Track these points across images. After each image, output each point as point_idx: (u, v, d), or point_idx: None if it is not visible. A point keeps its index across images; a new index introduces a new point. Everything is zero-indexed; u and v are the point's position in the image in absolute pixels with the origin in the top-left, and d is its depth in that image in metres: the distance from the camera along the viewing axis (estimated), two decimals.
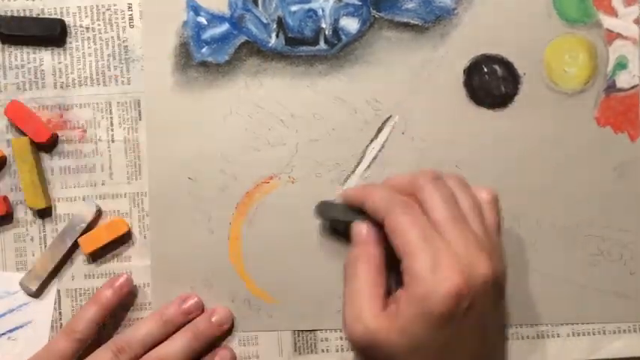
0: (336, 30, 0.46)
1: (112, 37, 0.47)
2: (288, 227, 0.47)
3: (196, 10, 0.46)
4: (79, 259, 0.47)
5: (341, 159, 0.47)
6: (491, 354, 0.42)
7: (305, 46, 0.46)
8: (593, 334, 0.46)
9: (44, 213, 0.47)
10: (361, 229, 0.41)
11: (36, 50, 0.47)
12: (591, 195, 0.46)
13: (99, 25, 0.47)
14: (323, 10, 0.46)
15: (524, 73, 0.46)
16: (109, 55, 0.47)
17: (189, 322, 0.46)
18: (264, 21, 0.46)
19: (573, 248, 0.46)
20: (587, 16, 0.47)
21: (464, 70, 0.46)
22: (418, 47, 0.46)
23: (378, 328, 0.38)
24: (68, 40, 0.47)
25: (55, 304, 0.47)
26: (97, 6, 0.47)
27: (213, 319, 0.46)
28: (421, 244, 0.37)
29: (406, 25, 0.46)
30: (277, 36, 0.46)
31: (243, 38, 0.46)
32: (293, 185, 0.47)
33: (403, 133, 0.47)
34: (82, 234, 0.46)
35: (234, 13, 0.46)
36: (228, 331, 0.47)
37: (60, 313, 0.47)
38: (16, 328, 0.47)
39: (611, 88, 0.47)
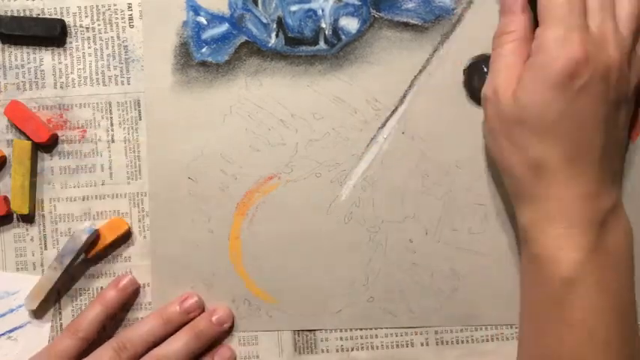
0: (335, 30, 0.46)
1: (112, 37, 0.47)
2: (288, 227, 0.47)
3: (196, 10, 0.46)
4: (79, 259, 0.47)
5: (341, 159, 0.47)
6: (611, 157, 0.41)
7: (305, 46, 0.46)
8: None
9: (26, 217, 0.47)
10: None
11: (36, 50, 0.47)
12: None
13: (99, 25, 0.47)
14: (323, 10, 0.46)
15: None
16: (108, 55, 0.47)
17: (189, 321, 0.46)
18: (264, 21, 0.46)
19: None
20: None
21: (464, 70, 0.46)
22: (418, 47, 0.46)
23: (504, 88, 0.40)
24: (68, 40, 0.47)
25: (55, 304, 0.47)
26: (97, 6, 0.47)
27: (214, 319, 0.46)
28: (562, 15, 0.39)
29: (406, 25, 0.46)
30: (277, 36, 0.46)
31: (243, 38, 0.46)
32: (293, 185, 0.47)
33: (403, 133, 0.47)
34: (77, 256, 0.46)
35: (234, 13, 0.46)
36: (228, 331, 0.47)
37: (60, 313, 0.47)
38: (16, 328, 0.47)
39: None
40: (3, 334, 0.47)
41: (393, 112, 0.46)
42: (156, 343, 0.45)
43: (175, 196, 0.47)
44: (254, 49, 0.46)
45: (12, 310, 0.47)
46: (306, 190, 0.47)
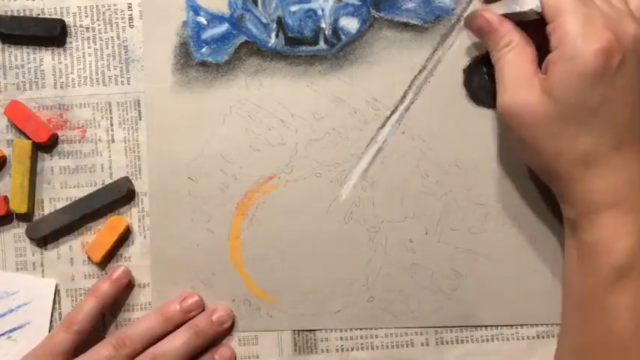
0: (335, 30, 0.46)
1: (112, 37, 0.47)
2: (288, 227, 0.47)
3: (196, 10, 0.46)
4: (79, 260, 0.47)
5: (341, 159, 0.47)
6: None
7: (305, 46, 0.46)
8: None
9: (26, 217, 0.47)
10: (482, 18, 0.42)
11: (36, 50, 0.47)
12: None
13: (99, 25, 0.47)
14: (323, 10, 0.46)
15: None
16: (108, 55, 0.47)
17: (189, 320, 0.46)
18: (264, 21, 0.46)
19: None
20: None
21: (463, 70, 0.46)
22: (418, 47, 0.46)
23: (527, 93, 0.39)
24: (68, 40, 0.47)
25: (54, 304, 0.47)
26: (97, 6, 0.47)
27: (214, 318, 0.46)
28: (574, 3, 0.38)
29: (406, 25, 0.46)
30: (277, 36, 0.46)
31: (243, 38, 0.46)
32: (293, 185, 0.47)
33: (403, 133, 0.47)
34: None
35: (234, 13, 0.46)
36: (228, 330, 0.47)
37: (60, 314, 0.47)
38: (16, 329, 0.47)
39: None
40: (2, 335, 0.47)
41: (393, 112, 0.46)
42: (155, 341, 0.45)
43: (175, 196, 0.47)
44: (254, 49, 0.46)
45: (11, 311, 0.47)
46: (306, 190, 0.47)
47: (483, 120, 0.46)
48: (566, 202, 0.41)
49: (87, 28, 0.47)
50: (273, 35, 0.46)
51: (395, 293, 0.47)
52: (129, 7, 0.47)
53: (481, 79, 0.46)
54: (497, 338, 0.47)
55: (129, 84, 0.47)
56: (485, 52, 0.46)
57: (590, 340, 0.40)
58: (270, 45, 0.46)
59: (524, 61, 0.40)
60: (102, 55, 0.47)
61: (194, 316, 0.46)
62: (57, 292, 0.47)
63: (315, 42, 0.46)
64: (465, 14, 0.45)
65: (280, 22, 0.46)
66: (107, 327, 0.47)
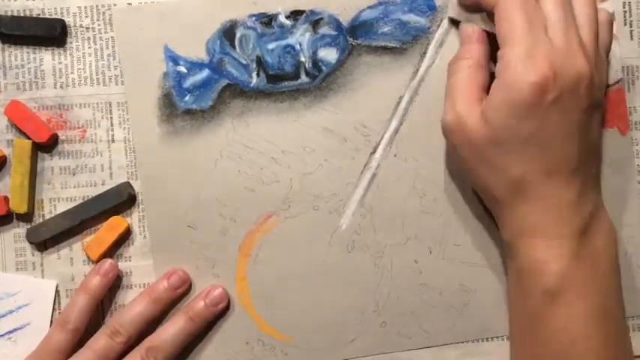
0: (315, 62, 0.46)
1: (112, 37, 0.47)
2: (292, 263, 0.47)
3: (175, 60, 0.46)
4: (79, 260, 0.47)
5: (337, 189, 0.47)
6: (587, 164, 0.41)
7: (287, 82, 0.46)
8: None
9: (26, 217, 0.47)
10: (467, 28, 0.43)
11: (36, 50, 0.47)
12: None
13: (99, 25, 0.47)
14: (300, 44, 0.46)
15: None
16: (109, 55, 0.47)
17: (178, 298, 0.46)
18: (244, 62, 0.46)
19: None
20: None
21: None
22: (399, 68, 0.46)
23: (467, 114, 0.40)
24: (68, 40, 0.47)
25: (55, 304, 0.47)
26: (97, 6, 0.47)
27: (208, 300, 0.46)
28: (523, 34, 0.38)
29: (384, 49, 0.46)
30: (258, 75, 0.46)
31: (224, 82, 0.46)
32: (292, 221, 0.47)
33: (395, 156, 0.47)
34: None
35: (213, 58, 0.46)
36: (225, 309, 0.46)
37: (60, 314, 0.47)
38: (16, 330, 0.47)
39: None
40: (3, 336, 0.47)
41: (383, 135, 0.46)
42: (148, 324, 0.45)
43: (177, 246, 0.47)
44: (237, 90, 0.46)
45: (12, 312, 0.47)
46: (305, 224, 0.47)
47: None
48: (500, 223, 0.42)
49: (87, 28, 0.47)
50: (254, 75, 0.46)
51: (407, 316, 0.47)
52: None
53: None
54: (497, 338, 0.47)
55: None
56: None
57: (531, 354, 0.41)
58: (252, 85, 0.46)
59: (473, 84, 0.41)
60: (102, 55, 0.47)
61: (182, 293, 0.46)
62: (57, 292, 0.47)
63: (297, 76, 0.46)
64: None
65: (260, 62, 0.46)
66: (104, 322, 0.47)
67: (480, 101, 0.40)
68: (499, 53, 0.39)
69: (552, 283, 0.39)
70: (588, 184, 0.41)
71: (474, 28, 0.43)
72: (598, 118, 0.41)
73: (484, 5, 0.42)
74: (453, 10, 0.45)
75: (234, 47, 0.46)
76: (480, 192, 0.44)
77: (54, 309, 0.47)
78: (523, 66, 0.38)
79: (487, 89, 0.41)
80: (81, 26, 0.47)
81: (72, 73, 0.47)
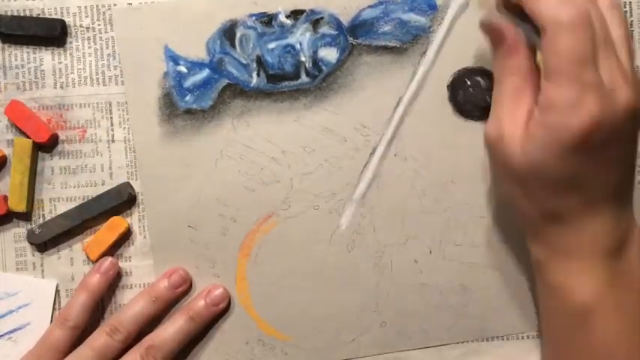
0: (315, 61, 0.46)
1: (112, 37, 0.47)
2: (292, 263, 0.47)
3: (175, 59, 0.46)
4: (80, 260, 0.47)
5: (337, 189, 0.47)
6: (623, 186, 0.39)
7: (287, 82, 0.46)
8: None
9: (26, 217, 0.47)
10: (509, 29, 0.38)
11: (36, 50, 0.47)
12: None
13: (99, 25, 0.47)
14: (301, 44, 0.46)
15: None
16: (109, 55, 0.47)
17: (178, 297, 0.46)
18: (244, 62, 0.46)
19: None
20: None
21: (447, 86, 0.46)
22: (399, 68, 0.46)
23: (511, 134, 0.38)
24: (68, 40, 0.47)
25: (55, 304, 0.47)
26: (97, 6, 0.47)
27: (208, 300, 0.46)
28: (572, 72, 0.35)
29: (385, 48, 0.46)
30: (258, 75, 0.46)
31: (224, 81, 0.46)
32: (292, 221, 0.47)
33: (395, 155, 0.47)
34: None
35: (213, 58, 0.46)
36: (225, 309, 0.46)
37: (60, 311, 0.47)
38: (17, 330, 0.47)
39: None
40: (3, 336, 0.47)
41: (383, 135, 0.46)
42: (147, 323, 0.45)
43: (177, 246, 0.47)
44: (237, 90, 0.46)
45: (12, 312, 0.47)
46: (306, 224, 0.47)
47: (473, 133, 0.46)
48: (531, 241, 0.41)
49: (87, 28, 0.47)
50: (254, 75, 0.46)
51: (406, 315, 0.47)
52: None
53: (466, 93, 0.46)
54: (497, 338, 0.47)
55: None
56: (468, 66, 0.46)
57: None
58: (252, 85, 0.46)
59: (519, 100, 0.38)
60: (102, 55, 0.47)
61: (182, 292, 0.46)
62: (57, 292, 0.47)
63: (297, 76, 0.46)
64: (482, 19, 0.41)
65: (260, 61, 0.46)
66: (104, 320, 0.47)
67: (522, 129, 0.38)
68: (543, 85, 0.36)
69: (588, 301, 0.38)
70: (622, 206, 0.40)
71: (518, 31, 0.39)
72: (637, 138, 0.40)
73: (533, 18, 0.37)
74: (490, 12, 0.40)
75: (234, 47, 0.46)
76: (513, 208, 0.42)
77: (54, 309, 0.47)
78: (570, 110, 0.35)
79: (536, 87, 0.38)
80: (81, 26, 0.47)
81: (72, 73, 0.47)
